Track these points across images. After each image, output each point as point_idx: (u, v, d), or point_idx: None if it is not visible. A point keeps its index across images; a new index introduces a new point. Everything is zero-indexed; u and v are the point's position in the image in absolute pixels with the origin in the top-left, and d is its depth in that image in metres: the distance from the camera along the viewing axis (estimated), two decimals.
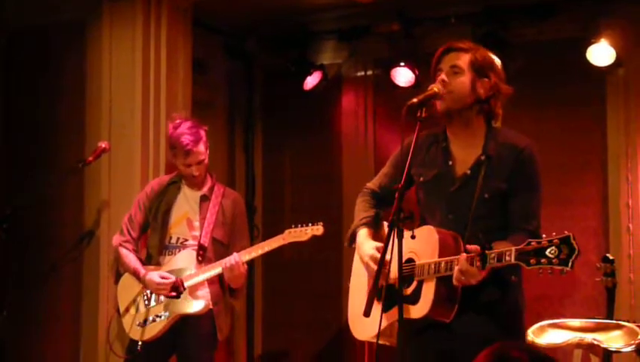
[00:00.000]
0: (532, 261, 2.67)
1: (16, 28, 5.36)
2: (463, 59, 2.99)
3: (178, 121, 4.27)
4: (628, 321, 3.81)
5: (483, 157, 2.97)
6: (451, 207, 3.00)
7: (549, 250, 2.64)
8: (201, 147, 4.21)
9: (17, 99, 5.39)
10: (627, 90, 5.15)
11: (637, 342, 3.61)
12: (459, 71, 2.99)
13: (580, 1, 5.10)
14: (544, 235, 2.69)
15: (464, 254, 2.80)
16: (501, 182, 2.96)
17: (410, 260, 3.00)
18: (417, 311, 2.91)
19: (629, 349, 3.62)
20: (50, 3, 5.21)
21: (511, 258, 2.71)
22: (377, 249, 3.02)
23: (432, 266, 2.89)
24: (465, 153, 3.03)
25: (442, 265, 2.86)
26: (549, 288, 5.09)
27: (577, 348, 3.80)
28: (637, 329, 3.65)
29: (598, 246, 5.07)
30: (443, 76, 2.99)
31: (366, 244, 3.12)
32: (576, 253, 2.63)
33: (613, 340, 3.63)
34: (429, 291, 2.89)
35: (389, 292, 2.93)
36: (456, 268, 2.80)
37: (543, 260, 2.65)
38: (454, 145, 3.06)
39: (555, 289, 5.16)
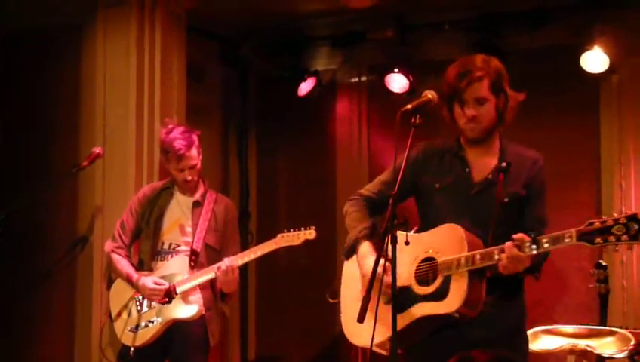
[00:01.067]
0: (597, 239, 2.77)
1: (12, 30, 5.36)
2: (484, 88, 3.04)
3: (171, 126, 4.27)
4: (621, 327, 3.83)
5: (504, 165, 3.06)
6: (469, 210, 3.05)
7: (615, 228, 2.75)
8: (194, 152, 4.21)
9: (12, 102, 5.38)
10: (620, 96, 5.17)
11: (630, 348, 3.62)
12: (483, 101, 3.05)
13: (573, 9, 5.12)
14: (603, 216, 2.80)
15: (509, 242, 2.86)
16: (520, 188, 3.06)
17: (429, 259, 3.01)
18: (446, 305, 2.92)
19: (621, 355, 3.64)
20: (46, 7, 5.21)
21: (572, 239, 2.80)
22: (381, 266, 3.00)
23: (463, 260, 2.91)
24: (481, 160, 3.10)
25: (477, 256, 2.90)
26: (543, 294, 5.09)
27: (570, 354, 3.81)
28: (630, 335, 3.67)
29: (592, 252, 5.06)
30: (472, 112, 3.04)
31: (370, 261, 3.06)
32: None
33: (606, 346, 3.65)
34: (460, 284, 2.91)
35: (400, 296, 2.91)
36: (503, 255, 2.85)
37: (610, 238, 2.75)
38: (470, 154, 3.12)
39: (549, 296, 5.17)
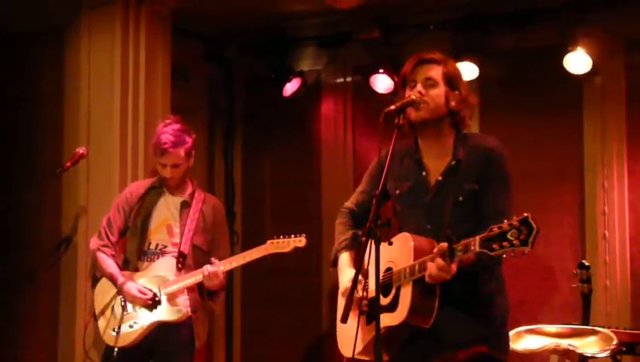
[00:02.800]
0: (495, 246, 2.67)
1: None
2: (436, 72, 3.03)
3: (168, 121, 4.26)
4: (603, 327, 3.85)
5: (453, 163, 3.02)
6: (429, 216, 3.02)
7: (509, 233, 2.64)
8: (180, 151, 4.19)
9: None
10: (603, 97, 5.20)
11: (612, 347, 3.64)
12: (433, 83, 3.03)
13: (557, 10, 5.15)
14: (505, 220, 2.69)
15: (436, 250, 2.83)
16: (473, 184, 2.99)
17: (389, 269, 3.01)
18: (396, 317, 2.91)
19: (604, 355, 3.66)
20: (30, 9, 5.18)
21: (475, 246, 2.72)
22: (351, 281, 2.98)
23: (408, 270, 2.91)
24: (437, 162, 3.06)
25: (416, 266, 2.88)
26: (526, 294, 5.12)
27: (553, 354, 3.83)
28: (612, 334, 3.69)
29: (575, 253, 5.12)
30: (419, 87, 3.01)
31: (344, 274, 3.13)
32: (534, 231, 2.62)
33: (589, 346, 3.67)
34: (406, 295, 2.90)
35: (369, 305, 2.91)
36: (431, 264, 2.82)
37: (504, 243, 2.65)
38: (426, 156, 3.09)
39: (532, 296, 5.19)
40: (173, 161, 4.18)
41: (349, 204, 3.31)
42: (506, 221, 2.67)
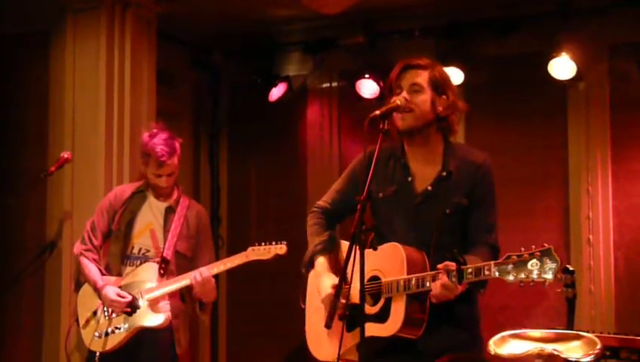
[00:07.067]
0: (513, 274, 2.70)
1: None
2: (423, 77, 3.00)
3: (155, 131, 4.23)
4: (588, 331, 3.87)
5: (444, 174, 2.99)
6: (413, 223, 3.00)
7: (530, 263, 2.67)
8: (175, 160, 4.19)
9: None
10: (588, 103, 5.24)
11: (596, 352, 3.65)
12: (419, 89, 2.99)
13: (541, 17, 5.18)
14: (522, 248, 2.72)
15: (441, 266, 2.81)
16: (462, 198, 2.98)
17: (375, 277, 2.98)
18: (386, 329, 2.89)
19: (588, 359, 3.66)
20: (14, 13, 5.17)
21: (491, 272, 2.73)
22: (334, 287, 2.96)
23: (402, 283, 2.87)
24: (424, 169, 3.03)
25: (413, 281, 2.85)
26: (511, 299, 5.14)
27: (538, 359, 3.84)
28: (596, 339, 3.70)
29: (559, 257, 5.13)
30: (405, 94, 2.98)
31: (325, 279, 3.08)
32: (558, 264, 2.67)
33: (573, 350, 3.67)
34: (399, 309, 2.87)
35: (352, 312, 2.88)
36: (437, 282, 2.80)
37: (525, 273, 2.68)
38: (413, 161, 3.05)
39: (517, 300, 5.21)
40: (170, 171, 4.18)
41: (322, 202, 3.26)
42: (523, 249, 2.70)
